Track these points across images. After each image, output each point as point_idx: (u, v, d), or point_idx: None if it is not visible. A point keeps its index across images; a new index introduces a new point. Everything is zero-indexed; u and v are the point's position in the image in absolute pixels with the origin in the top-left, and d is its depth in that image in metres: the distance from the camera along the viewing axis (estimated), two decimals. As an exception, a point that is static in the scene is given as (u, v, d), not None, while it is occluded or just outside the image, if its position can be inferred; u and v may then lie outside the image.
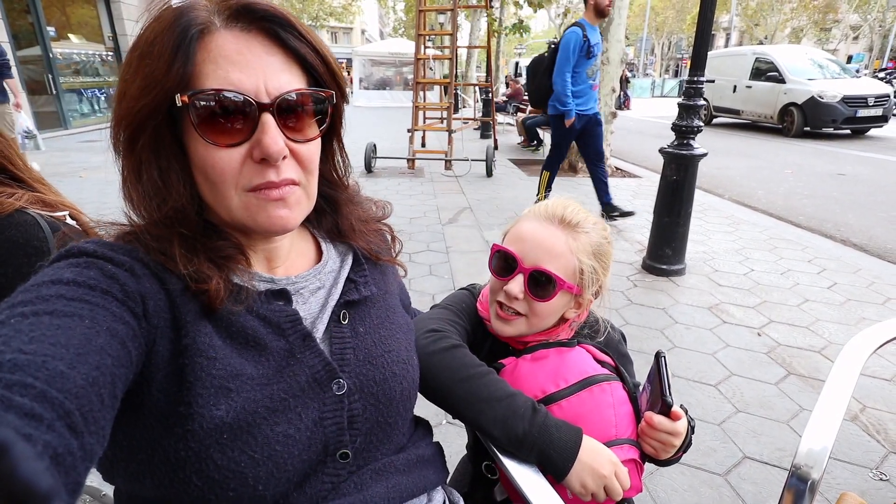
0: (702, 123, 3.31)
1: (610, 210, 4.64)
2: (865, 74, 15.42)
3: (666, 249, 3.47)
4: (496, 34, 13.54)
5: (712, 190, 6.03)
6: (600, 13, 4.31)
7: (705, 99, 3.58)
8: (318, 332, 0.65)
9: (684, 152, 3.29)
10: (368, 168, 6.90)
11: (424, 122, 9.18)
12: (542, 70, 4.69)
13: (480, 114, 11.32)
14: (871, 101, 10.35)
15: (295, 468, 0.57)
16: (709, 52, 3.29)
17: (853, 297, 3.16)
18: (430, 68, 9.78)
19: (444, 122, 8.25)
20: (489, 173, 6.84)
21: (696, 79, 3.21)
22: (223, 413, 0.53)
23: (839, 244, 4.25)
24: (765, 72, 11.77)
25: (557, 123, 4.61)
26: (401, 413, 0.70)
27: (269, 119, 0.56)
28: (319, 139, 0.63)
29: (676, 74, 43.07)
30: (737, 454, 1.83)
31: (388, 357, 0.69)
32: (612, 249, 0.93)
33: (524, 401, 0.78)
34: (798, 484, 0.85)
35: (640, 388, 0.89)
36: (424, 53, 7.92)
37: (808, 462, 0.85)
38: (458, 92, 13.59)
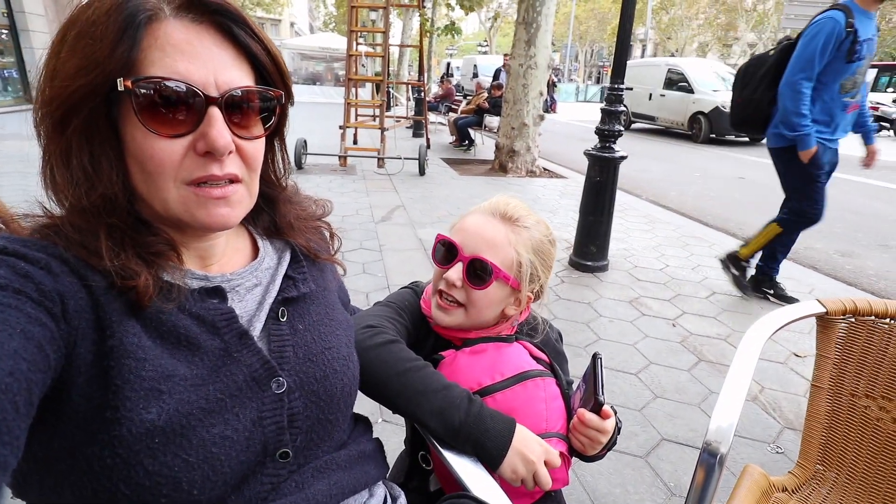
0: (622, 128, 3.52)
1: (766, 285, 3.31)
2: (761, 88, 17.05)
3: (591, 247, 3.65)
4: (428, 34, 13.60)
5: (632, 191, 6.42)
6: None
7: (625, 105, 3.66)
8: (256, 331, 0.64)
9: (606, 155, 3.48)
10: (299, 164, 6.69)
11: (356, 120, 9.03)
12: (760, 76, 2.94)
13: (413, 112, 11.32)
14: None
15: (232, 470, 0.55)
16: (627, 62, 3.49)
17: (752, 289, 3.49)
18: (363, 65, 9.64)
19: (377, 119, 8.17)
20: (422, 172, 6.86)
21: (616, 86, 3.41)
22: (154, 416, 0.50)
23: (740, 241, 4.66)
24: (676, 82, 12.75)
25: (786, 159, 2.89)
26: (342, 409, 0.69)
27: (216, 112, 0.54)
28: (264, 138, 0.63)
29: (598, 81, 45.32)
30: (655, 437, 1.97)
31: (329, 354, 0.69)
32: (554, 251, 0.96)
33: (460, 392, 0.80)
34: (709, 459, 0.94)
35: (576, 385, 0.94)
36: (356, 50, 7.80)
37: (716, 439, 0.93)
38: (391, 90, 13.50)
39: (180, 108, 0.53)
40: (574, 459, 0.92)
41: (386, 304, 0.98)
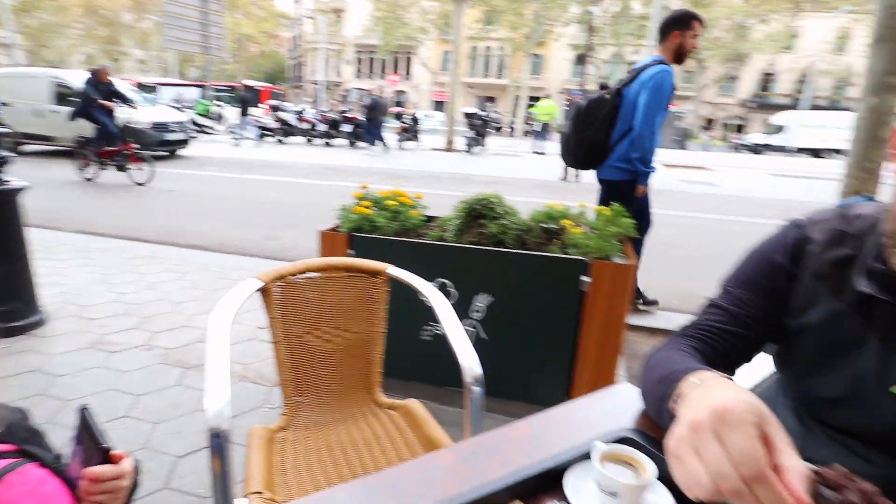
0: (8, 154, 2.87)
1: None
2: (160, 104, 17.53)
3: (13, 303, 2.90)
4: None
5: (49, 224, 5.42)
6: (680, 59, 3.27)
7: (7, 125, 2.84)
8: None
9: (-3, 187, 2.78)
10: None
11: None
12: (602, 118, 3.31)
13: None
14: (173, 127, 12.10)
15: None
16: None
17: (211, 287, 3.79)
18: None
19: None
20: None
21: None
22: None
23: (187, 249, 4.87)
24: (68, 96, 11.29)
25: (624, 192, 3.31)
26: None
27: None
28: None
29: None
30: (170, 461, 1.92)
31: None
32: None
33: None
34: (216, 441, 1.05)
35: (71, 452, 0.81)
36: None
37: (215, 422, 1.05)
38: None
39: None
40: None
41: None
